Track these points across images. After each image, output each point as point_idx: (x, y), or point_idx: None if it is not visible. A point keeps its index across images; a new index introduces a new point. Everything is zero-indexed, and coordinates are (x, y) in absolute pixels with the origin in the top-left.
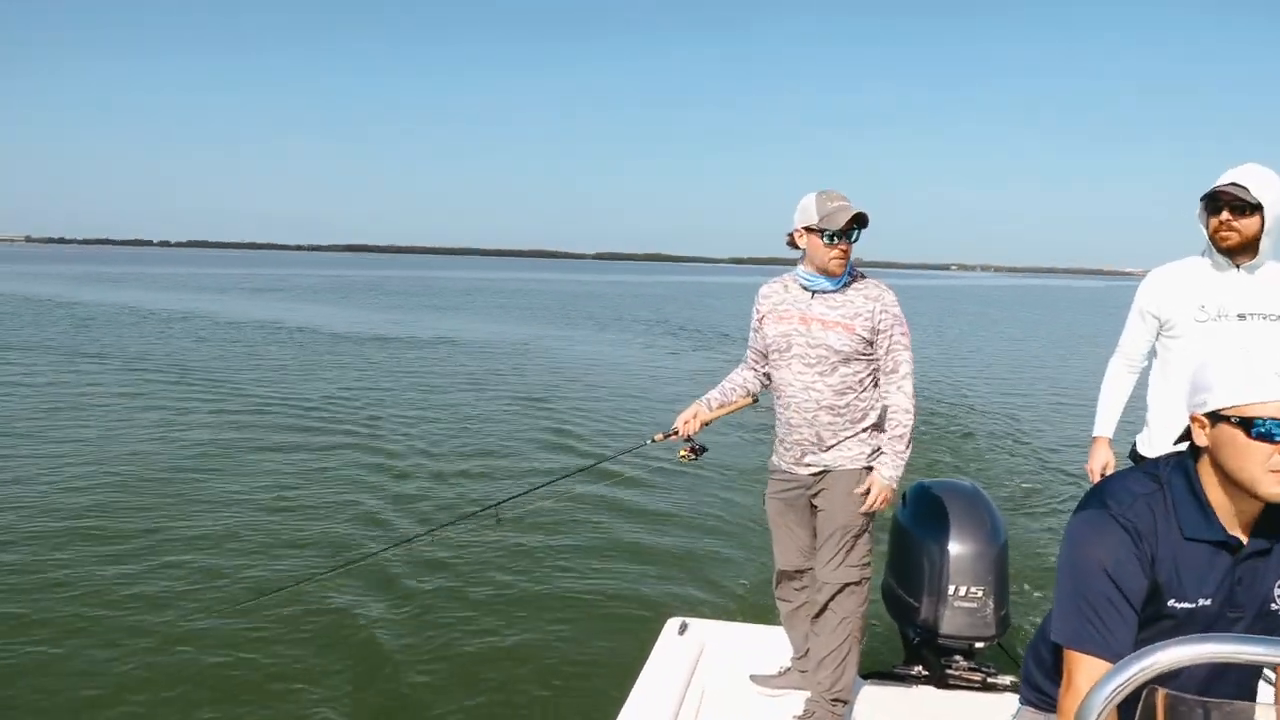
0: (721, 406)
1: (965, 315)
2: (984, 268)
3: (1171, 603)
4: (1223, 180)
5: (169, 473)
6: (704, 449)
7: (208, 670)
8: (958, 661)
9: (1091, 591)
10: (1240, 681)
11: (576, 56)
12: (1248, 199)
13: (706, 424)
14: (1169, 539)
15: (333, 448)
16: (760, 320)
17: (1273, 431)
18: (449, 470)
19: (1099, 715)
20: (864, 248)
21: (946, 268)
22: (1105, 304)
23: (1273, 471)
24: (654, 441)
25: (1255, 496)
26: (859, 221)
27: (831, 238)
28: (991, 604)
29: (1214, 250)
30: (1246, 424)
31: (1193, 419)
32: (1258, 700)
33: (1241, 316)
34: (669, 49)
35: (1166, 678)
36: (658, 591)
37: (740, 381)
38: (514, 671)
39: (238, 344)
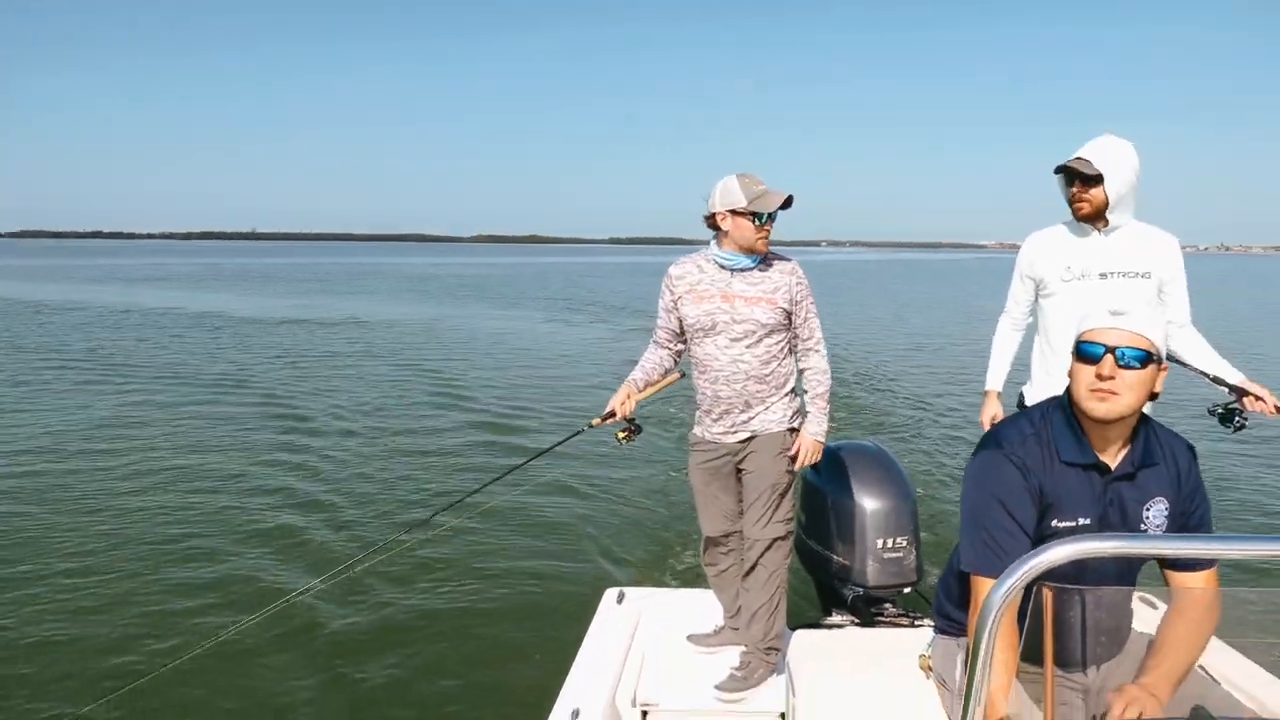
0: (649, 385)
1: (839, 288)
2: (854, 244)
3: (1055, 522)
4: (1075, 154)
5: (97, 491)
6: (640, 428)
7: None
8: (887, 609)
9: (991, 523)
10: (1121, 582)
11: (443, 36)
12: (1090, 171)
13: (638, 403)
14: (1052, 469)
15: (253, 456)
16: (675, 301)
17: (1089, 351)
18: (384, 473)
19: (997, 611)
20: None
21: (817, 244)
22: (960, 274)
23: (1091, 390)
24: (592, 426)
25: (1086, 415)
26: (787, 204)
27: (762, 220)
28: (914, 552)
29: (1074, 217)
30: (1077, 349)
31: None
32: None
33: (1103, 275)
34: (533, 34)
35: (1060, 581)
36: (595, 566)
37: (657, 361)
38: (461, 654)
39: (151, 332)
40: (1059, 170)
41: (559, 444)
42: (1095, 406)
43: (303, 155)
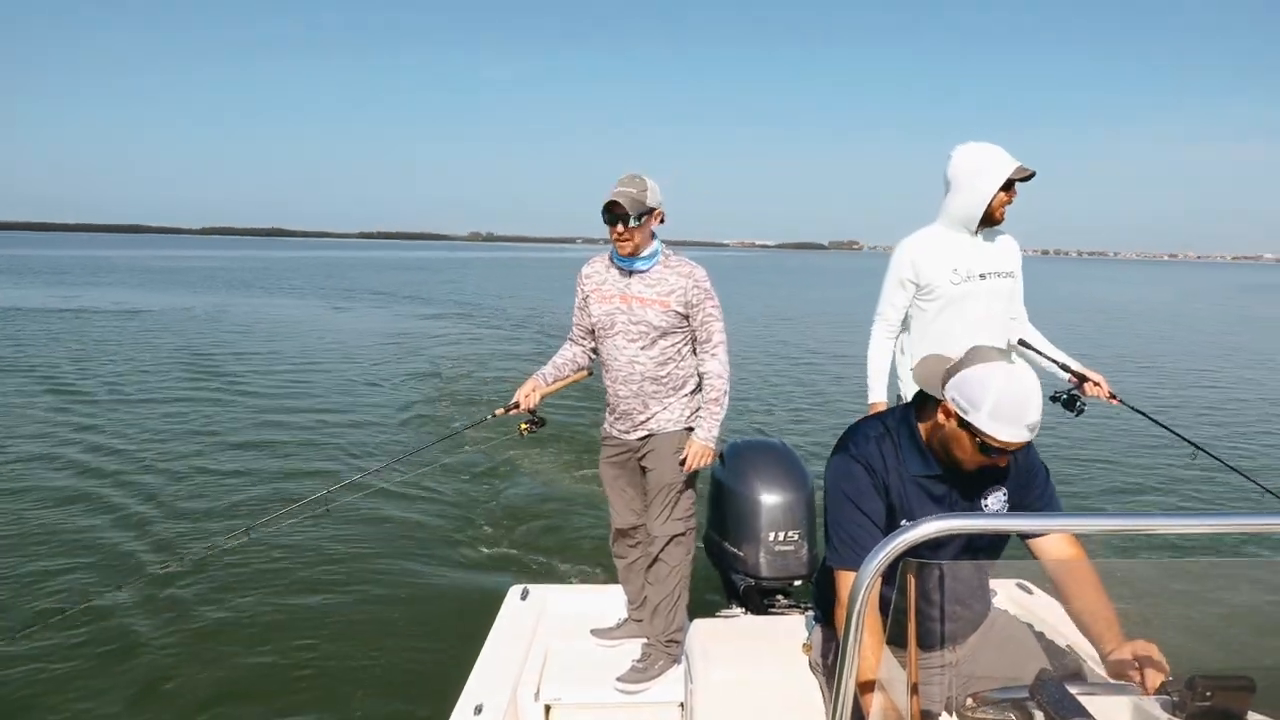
0: (557, 381)
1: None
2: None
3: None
4: (1010, 163)
5: None
6: (543, 422)
7: None
8: (779, 600)
9: (846, 520)
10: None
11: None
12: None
13: (544, 397)
14: (897, 472)
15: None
16: (585, 299)
17: (991, 451)
18: (272, 465)
19: (866, 585)
20: (577, 228)
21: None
22: (756, 271)
23: (975, 459)
24: (495, 416)
25: (959, 466)
26: (607, 209)
27: (608, 224)
28: (806, 546)
29: (974, 222)
30: (982, 443)
31: (944, 407)
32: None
33: (983, 276)
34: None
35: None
36: (499, 563)
37: (570, 357)
38: (362, 654)
39: None
40: (1015, 180)
41: (461, 430)
42: (972, 470)
43: None
